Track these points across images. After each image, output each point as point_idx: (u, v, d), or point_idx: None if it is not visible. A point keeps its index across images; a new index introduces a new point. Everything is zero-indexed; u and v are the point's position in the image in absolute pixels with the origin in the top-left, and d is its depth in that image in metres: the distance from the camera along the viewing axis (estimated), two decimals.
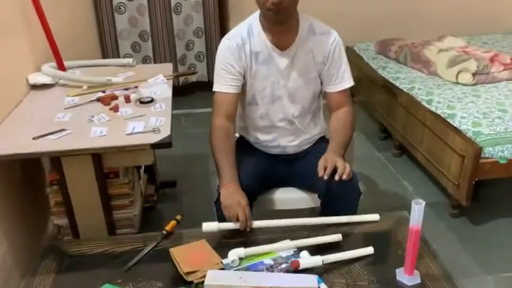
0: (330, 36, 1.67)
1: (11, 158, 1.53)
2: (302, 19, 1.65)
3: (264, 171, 1.72)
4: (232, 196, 1.48)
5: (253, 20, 1.66)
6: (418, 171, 2.72)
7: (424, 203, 1.16)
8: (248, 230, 1.42)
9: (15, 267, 1.72)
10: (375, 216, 1.49)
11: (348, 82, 1.71)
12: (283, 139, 1.76)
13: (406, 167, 2.80)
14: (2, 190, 1.68)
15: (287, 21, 1.59)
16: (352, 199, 1.61)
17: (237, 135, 1.87)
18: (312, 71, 1.68)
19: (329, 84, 1.70)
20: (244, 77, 1.67)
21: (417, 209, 1.16)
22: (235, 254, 1.30)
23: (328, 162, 1.50)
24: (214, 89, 1.68)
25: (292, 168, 1.77)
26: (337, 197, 1.55)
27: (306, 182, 1.71)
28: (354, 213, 1.61)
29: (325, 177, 1.48)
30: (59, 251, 1.42)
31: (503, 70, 2.71)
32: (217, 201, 1.57)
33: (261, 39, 1.63)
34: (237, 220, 1.40)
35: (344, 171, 1.48)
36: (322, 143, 1.79)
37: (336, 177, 1.47)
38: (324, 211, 1.64)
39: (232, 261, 1.28)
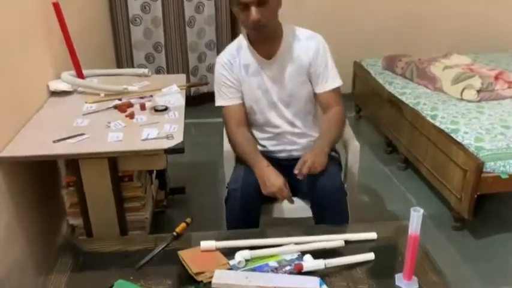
0: (314, 40, 1.76)
1: (32, 159, 1.61)
2: (286, 28, 1.76)
3: None
4: (270, 180, 1.64)
5: (241, 37, 1.80)
6: (422, 184, 2.77)
7: (422, 210, 1.22)
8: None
9: (30, 263, 1.79)
10: (373, 235, 1.49)
11: (335, 82, 1.79)
12: (287, 144, 1.85)
13: (411, 180, 2.84)
14: (21, 190, 1.76)
15: (271, 34, 1.72)
16: (340, 202, 1.68)
17: None
18: (301, 75, 1.77)
19: (317, 85, 1.79)
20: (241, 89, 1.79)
21: (416, 216, 1.23)
22: (241, 255, 1.36)
23: (306, 161, 1.61)
24: (218, 104, 1.82)
25: (294, 177, 1.84)
26: (324, 198, 1.65)
27: (302, 191, 1.78)
28: (345, 217, 1.69)
29: (299, 177, 1.62)
30: (74, 249, 1.49)
31: (507, 88, 2.77)
32: (227, 201, 1.69)
33: (248, 53, 1.77)
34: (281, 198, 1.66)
35: (310, 169, 1.60)
36: None
37: (299, 172, 1.60)
38: (316, 218, 1.72)
39: (239, 262, 1.34)
